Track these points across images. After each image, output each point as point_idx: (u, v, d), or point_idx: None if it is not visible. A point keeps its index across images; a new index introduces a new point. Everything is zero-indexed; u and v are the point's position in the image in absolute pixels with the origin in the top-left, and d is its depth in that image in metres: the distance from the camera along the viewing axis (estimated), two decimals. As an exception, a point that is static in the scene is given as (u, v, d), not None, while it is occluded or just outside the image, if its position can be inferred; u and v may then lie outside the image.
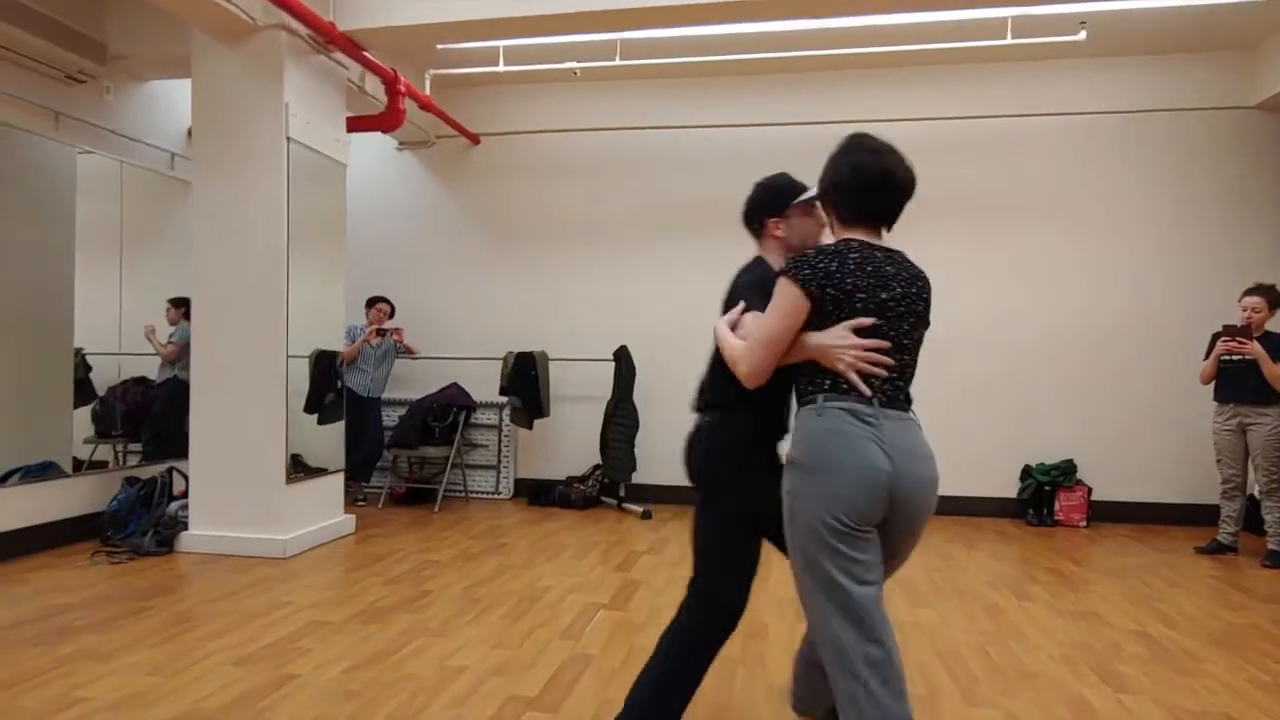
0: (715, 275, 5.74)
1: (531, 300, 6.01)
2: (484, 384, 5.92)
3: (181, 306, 5.23)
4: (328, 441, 4.64)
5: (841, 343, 1.67)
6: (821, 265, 1.68)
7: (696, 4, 4.03)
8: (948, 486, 5.50)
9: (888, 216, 1.80)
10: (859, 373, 1.67)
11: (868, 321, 1.67)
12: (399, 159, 6.22)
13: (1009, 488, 5.38)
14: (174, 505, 4.25)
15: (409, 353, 5.69)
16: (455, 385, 5.82)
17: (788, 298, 1.70)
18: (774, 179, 2.28)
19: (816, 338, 1.70)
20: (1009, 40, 4.73)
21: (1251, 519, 4.52)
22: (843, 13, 4.07)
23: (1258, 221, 5.21)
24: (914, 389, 1.80)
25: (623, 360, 5.59)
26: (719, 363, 2.03)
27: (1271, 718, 2.35)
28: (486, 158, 6.11)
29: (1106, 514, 5.24)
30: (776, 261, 2.16)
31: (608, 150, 5.93)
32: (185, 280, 5.14)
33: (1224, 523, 4.47)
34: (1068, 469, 5.19)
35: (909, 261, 1.80)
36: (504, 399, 5.81)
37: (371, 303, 5.64)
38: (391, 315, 5.72)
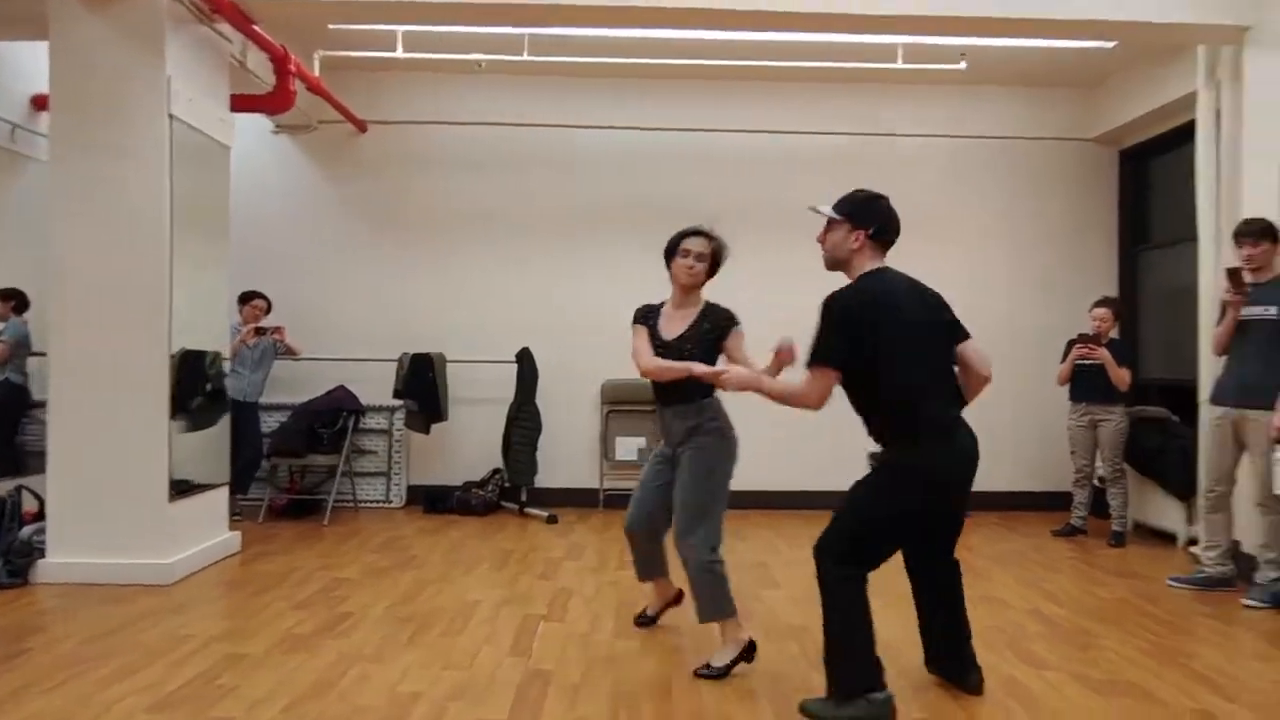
0: (618, 277, 5.76)
1: (427, 299, 5.75)
2: (373, 386, 5.59)
3: (11, 300, 4.58)
4: (207, 451, 4.22)
5: None
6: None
7: (605, 6, 4.00)
8: (838, 482, 5.80)
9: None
10: None
11: None
12: (274, 142, 5.74)
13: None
14: (26, 530, 3.69)
15: (290, 353, 5.27)
16: (342, 388, 5.47)
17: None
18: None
19: None
20: (899, 64, 5.07)
21: (1097, 504, 5.11)
22: (744, 27, 4.17)
23: (1098, 241, 5.90)
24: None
25: (525, 362, 5.47)
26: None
27: (1163, 680, 2.68)
28: (375, 146, 5.77)
29: (976, 502, 5.73)
30: None
31: (511, 146, 5.77)
32: (22, 268, 4.50)
33: (1076, 508, 5.06)
34: (941, 463, 5.63)
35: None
36: (397, 402, 5.52)
37: (245, 299, 5.18)
38: (268, 312, 5.28)
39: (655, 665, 2.80)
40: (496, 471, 5.64)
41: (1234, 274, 3.68)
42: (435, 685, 2.58)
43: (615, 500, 5.73)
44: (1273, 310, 3.58)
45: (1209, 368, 4.22)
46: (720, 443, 2.92)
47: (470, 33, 4.92)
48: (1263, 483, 3.54)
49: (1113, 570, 4.20)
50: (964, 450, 2.36)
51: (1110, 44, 4.79)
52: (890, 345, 2.25)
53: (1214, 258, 4.30)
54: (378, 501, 5.64)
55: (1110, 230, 5.90)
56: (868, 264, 2.37)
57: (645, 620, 3.23)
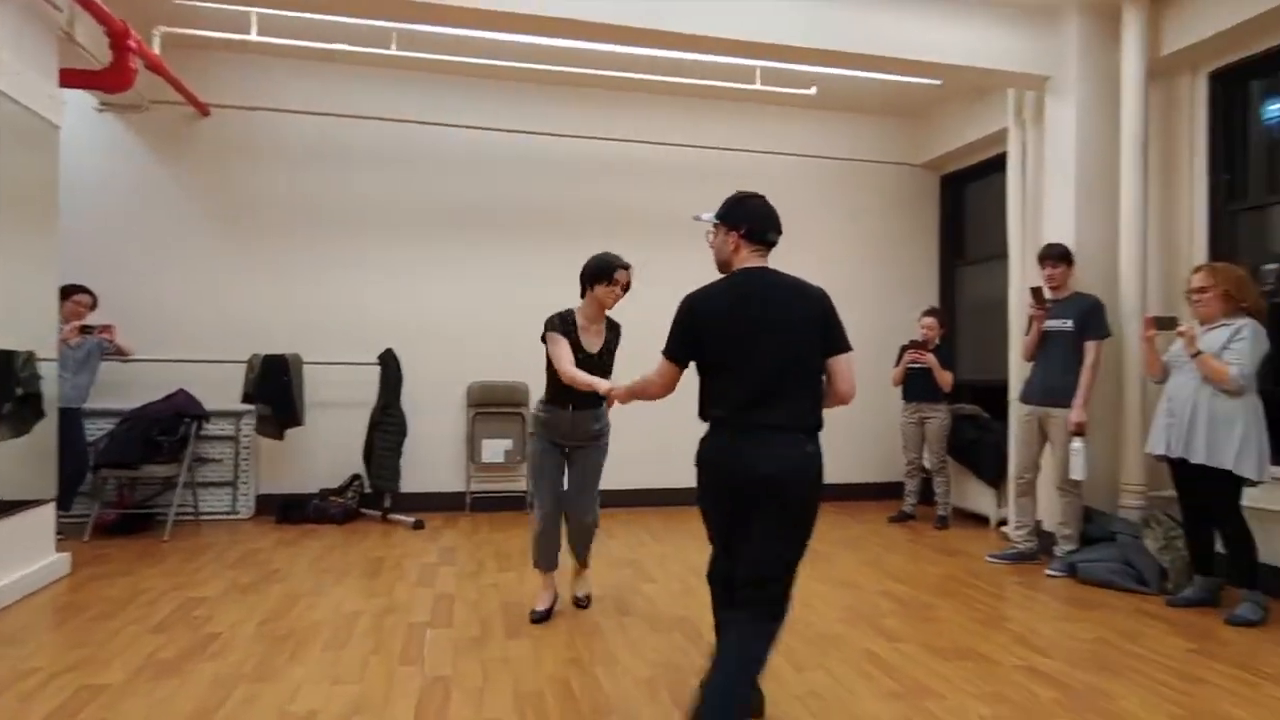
0: (484, 277, 5.73)
1: (279, 297, 5.41)
2: (215, 390, 5.19)
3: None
4: (26, 463, 3.78)
5: None
6: None
7: (480, 9, 3.98)
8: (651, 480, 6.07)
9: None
10: None
11: None
12: (100, 122, 5.19)
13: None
14: None
15: (120, 354, 4.79)
16: (182, 392, 5.04)
17: None
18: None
19: None
20: (758, 85, 5.41)
21: (924, 492, 5.71)
22: (612, 41, 4.24)
23: (923, 257, 6.57)
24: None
25: (389, 363, 5.31)
26: (815, 385, 2.26)
27: (993, 643, 3.09)
28: (219, 132, 5.36)
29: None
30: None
31: (373, 141, 5.56)
32: None
33: (907, 496, 5.63)
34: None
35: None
36: (244, 407, 5.17)
37: (66, 293, 4.63)
38: (93, 308, 4.78)
39: (552, 664, 2.86)
40: (356, 477, 5.42)
41: (1037, 292, 4.28)
42: (330, 701, 2.51)
43: (482, 503, 5.70)
44: (1069, 323, 4.19)
45: (1017, 371, 4.87)
46: (608, 439, 3.61)
47: (335, 21, 4.71)
48: (1062, 470, 4.14)
49: (941, 550, 4.74)
50: (748, 460, 2.15)
51: (937, 82, 5.39)
52: (714, 342, 2.24)
53: (1021, 275, 4.95)
54: (223, 513, 5.25)
55: (932, 247, 6.59)
56: (745, 263, 2.30)
57: (543, 616, 3.32)
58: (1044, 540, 4.43)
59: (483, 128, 5.67)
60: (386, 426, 5.23)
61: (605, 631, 3.22)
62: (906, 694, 2.62)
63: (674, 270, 6.05)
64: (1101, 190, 4.46)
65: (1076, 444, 4.06)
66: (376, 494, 5.32)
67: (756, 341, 2.19)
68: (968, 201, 6.47)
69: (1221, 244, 4.18)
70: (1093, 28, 4.48)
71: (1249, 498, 3.47)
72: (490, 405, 5.68)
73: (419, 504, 5.50)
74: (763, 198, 2.39)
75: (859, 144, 6.36)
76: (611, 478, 5.79)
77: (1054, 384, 4.20)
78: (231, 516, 5.25)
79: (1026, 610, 3.57)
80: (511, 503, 5.74)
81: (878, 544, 4.86)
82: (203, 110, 5.27)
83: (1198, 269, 3.69)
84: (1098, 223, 4.45)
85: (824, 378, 2.27)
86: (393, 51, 4.87)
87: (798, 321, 2.21)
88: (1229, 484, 3.44)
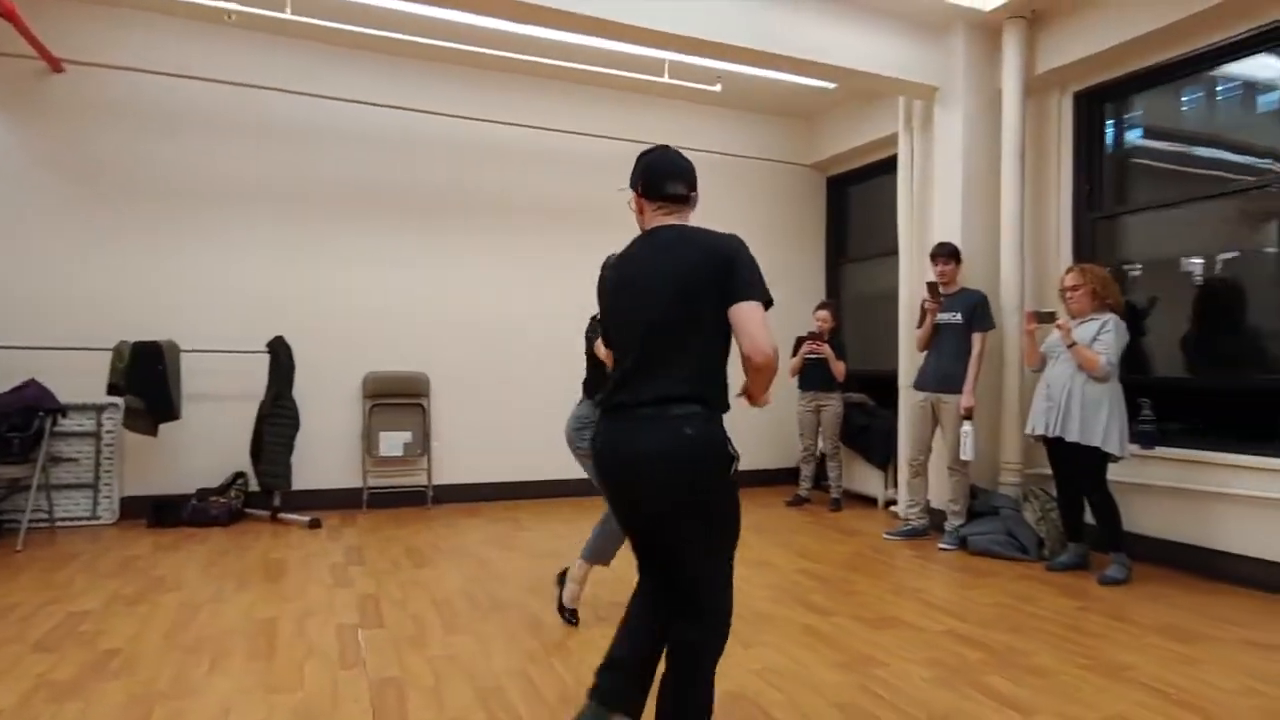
0: (380, 260, 5.45)
1: (151, 278, 4.90)
2: (73, 381, 4.64)
3: None
4: None
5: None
6: None
7: None
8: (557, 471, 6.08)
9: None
10: None
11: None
12: (-77, 71, 4.49)
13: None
14: None
15: (-44, 340, 4.19)
16: (34, 383, 4.46)
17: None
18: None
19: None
20: (666, 79, 5.48)
21: (816, 476, 6.01)
22: (508, 17, 4.06)
23: (811, 253, 6.89)
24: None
25: (280, 351, 4.94)
26: (703, 350, 1.87)
27: (915, 613, 3.32)
28: (74, 91, 4.77)
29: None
30: None
31: (266, 110, 5.14)
32: None
33: (803, 480, 5.90)
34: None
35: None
36: (110, 400, 4.66)
37: (-115, 269, 4.01)
38: (-82, 287, 4.15)
39: (504, 658, 2.79)
40: (239, 475, 5.02)
41: (932, 287, 4.61)
42: (272, 712, 2.33)
43: (381, 499, 5.43)
44: (959, 316, 4.55)
45: (907, 361, 5.23)
46: None
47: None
48: (953, 451, 4.49)
49: (841, 530, 5.01)
50: (614, 445, 1.90)
51: (832, 85, 5.67)
52: (606, 314, 2.12)
53: (909, 271, 5.32)
54: (82, 518, 4.69)
55: (819, 245, 6.93)
56: (650, 224, 2.07)
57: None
58: (933, 517, 4.79)
59: (380, 104, 5.38)
60: (278, 419, 4.87)
61: (547, 624, 3.17)
62: (852, 663, 2.76)
63: (573, 257, 6.05)
64: (984, 195, 4.86)
65: (966, 427, 4.42)
66: (265, 492, 4.95)
67: (630, 306, 1.93)
68: (851, 203, 6.85)
69: (1083, 247, 4.67)
70: (978, 44, 4.86)
71: (1112, 472, 3.92)
72: (388, 396, 5.42)
73: (310, 502, 5.17)
74: (659, 149, 2.10)
75: (754, 142, 6.57)
76: (507, 468, 5.75)
77: (946, 372, 4.55)
78: (93, 522, 4.71)
79: (931, 580, 3.85)
80: (411, 498, 5.51)
81: (782, 526, 5.07)
82: (55, 65, 4.67)
83: (1069, 269, 4.11)
84: (980, 225, 4.84)
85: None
86: (287, 16, 4.53)
87: (676, 275, 1.87)
88: (1097, 459, 3.86)
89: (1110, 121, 4.67)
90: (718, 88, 5.70)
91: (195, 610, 3.23)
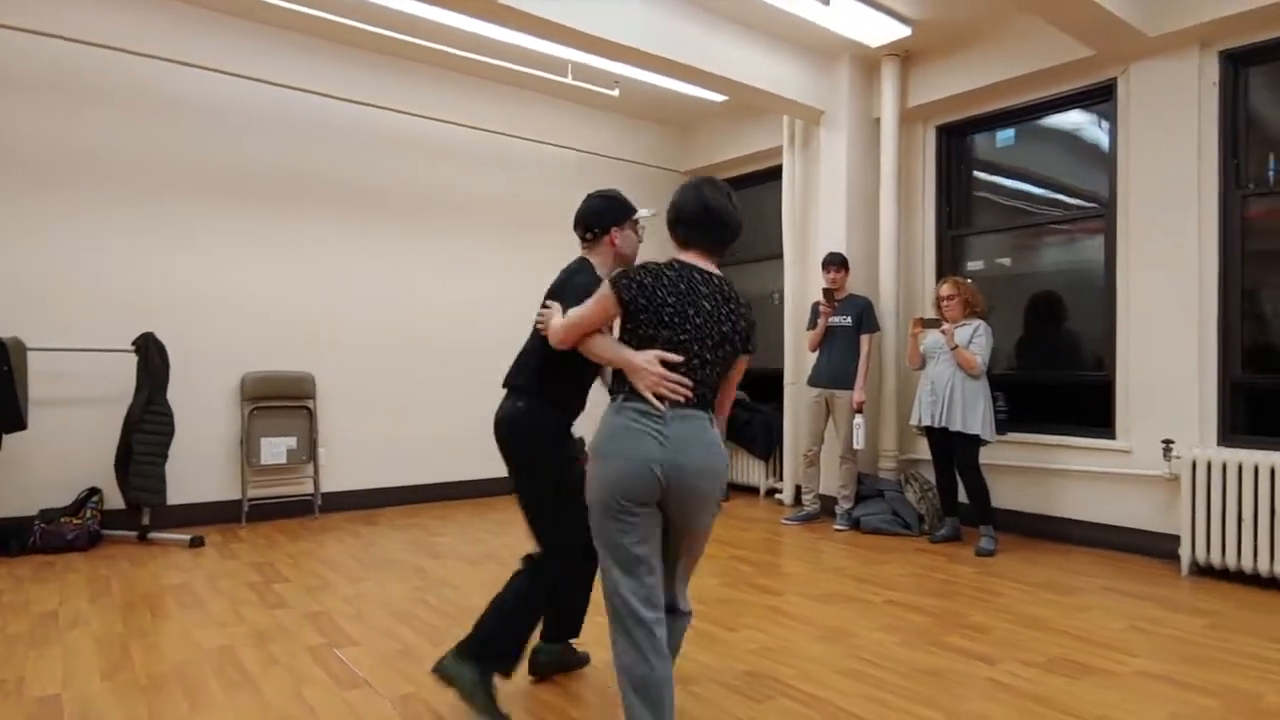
0: (259, 250, 5.01)
1: (-16, 263, 4.13)
2: (-127, 385, 3.82)
3: None
4: None
5: (648, 367, 1.87)
6: (639, 279, 1.92)
7: None
8: (454, 473, 6.02)
9: (718, 249, 2.06)
10: (656, 394, 1.87)
11: (674, 358, 1.88)
12: None
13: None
14: None
15: None
16: None
17: (605, 299, 1.96)
18: (616, 193, 2.54)
19: (629, 354, 1.91)
20: (569, 80, 5.51)
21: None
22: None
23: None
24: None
25: (151, 350, 4.36)
26: (536, 353, 2.36)
27: (854, 588, 3.68)
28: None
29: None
30: (602, 266, 2.48)
31: (135, 79, 4.51)
32: None
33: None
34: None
35: (728, 288, 2.00)
36: (-70, 407, 3.87)
37: None
38: None
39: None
40: (93, 492, 4.38)
41: (827, 293, 5.06)
42: (300, 742, 2.15)
43: (263, 511, 4.98)
44: (849, 320, 5.04)
45: (793, 359, 5.69)
46: None
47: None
48: (846, 441, 4.98)
49: (741, 518, 5.34)
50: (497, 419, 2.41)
51: (723, 97, 6.00)
52: None
53: (793, 276, 5.78)
54: (-110, 552, 3.87)
55: (690, 248, 7.27)
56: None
57: None
58: (823, 502, 5.26)
59: (268, 81, 4.91)
60: (150, 426, 4.31)
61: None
62: (829, 636, 3.04)
63: (472, 255, 5.90)
64: (864, 211, 5.41)
65: (858, 419, 4.92)
66: (131, 510, 4.36)
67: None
68: (720, 209, 7.25)
69: (944, 261, 5.36)
70: (860, 75, 5.40)
71: (983, 456, 4.56)
72: (270, 399, 4.97)
73: (181, 518, 4.63)
74: (587, 198, 2.52)
75: (634, 146, 6.76)
76: (400, 473, 5.51)
77: (838, 371, 5.02)
78: (-95, 555, 3.90)
79: (846, 559, 4.27)
80: (296, 508, 5.10)
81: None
82: None
83: (944, 281, 4.71)
84: (861, 237, 5.39)
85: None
86: (173, -26, 4.03)
87: (551, 288, 2.42)
88: (974, 445, 4.49)
89: (963, 153, 5.40)
90: (616, 92, 5.83)
91: (121, 645, 2.84)
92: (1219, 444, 4.08)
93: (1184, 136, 4.20)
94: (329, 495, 5.22)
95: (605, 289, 1.95)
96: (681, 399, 1.87)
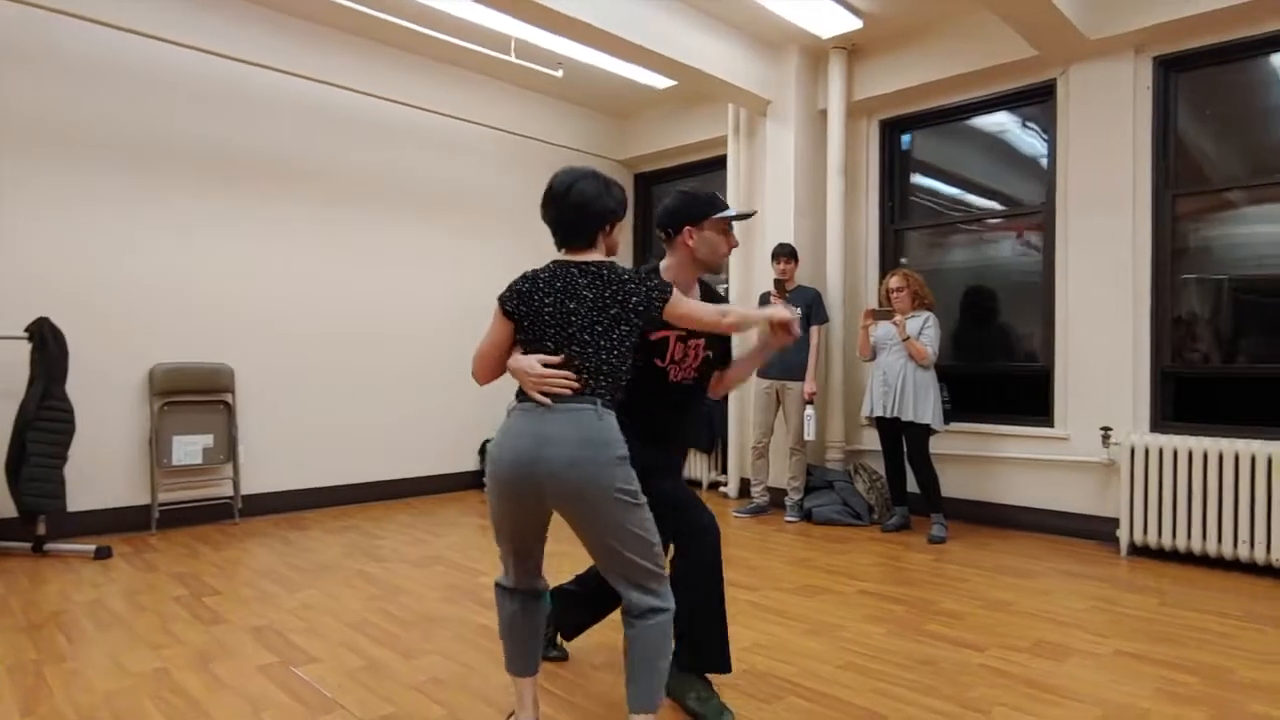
0: (171, 229, 4.56)
1: None
2: None
3: None
4: None
5: (528, 371, 1.88)
6: (517, 288, 1.95)
7: None
8: (389, 472, 5.75)
9: (581, 237, 1.98)
10: (544, 391, 1.87)
11: (552, 359, 1.89)
12: None
13: (473, 463, 5.93)
14: None
15: None
16: None
17: (495, 319, 1.99)
18: (697, 190, 2.30)
19: (514, 362, 1.94)
20: (512, 58, 5.26)
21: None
22: None
23: (624, 245, 7.05)
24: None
25: (47, 338, 3.85)
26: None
27: (824, 580, 3.64)
28: None
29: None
30: (674, 270, 2.27)
31: (34, 34, 3.95)
32: None
33: (633, 468, 6.06)
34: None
35: (612, 272, 1.94)
36: None
37: None
38: None
39: (501, 672, 2.55)
40: (-25, 499, 3.85)
41: (779, 284, 5.02)
42: (278, 776, 1.90)
43: (175, 517, 4.52)
44: (798, 311, 5.02)
45: (738, 350, 5.63)
46: None
47: None
48: (796, 433, 4.97)
49: (686, 512, 5.25)
50: None
51: (667, 85, 5.89)
52: None
53: (738, 267, 5.74)
54: None
55: (628, 239, 7.14)
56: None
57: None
58: (771, 495, 5.25)
59: (189, 46, 4.44)
60: (46, 424, 3.80)
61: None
62: (817, 630, 2.98)
63: (407, 240, 5.56)
64: (811, 203, 5.42)
65: (809, 411, 4.92)
66: (25, 518, 3.84)
67: None
68: (654, 200, 7.16)
69: (886, 254, 5.44)
70: (807, 68, 5.40)
71: (930, 445, 4.64)
72: (183, 394, 4.52)
73: (81, 527, 4.15)
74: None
75: (572, 134, 6.56)
76: (329, 472, 5.14)
77: (789, 362, 5.00)
78: None
79: (808, 550, 4.24)
80: (213, 513, 4.66)
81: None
82: None
83: (893, 273, 4.76)
84: (809, 229, 5.40)
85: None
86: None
87: None
88: (925, 434, 4.56)
89: (903, 148, 5.50)
90: (560, 73, 5.61)
91: (35, 674, 2.46)
92: (1151, 431, 4.30)
93: (1119, 138, 4.39)
94: (250, 498, 4.79)
95: (496, 310, 1.99)
96: (569, 391, 1.86)
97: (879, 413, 4.65)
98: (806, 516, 4.96)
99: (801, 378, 4.95)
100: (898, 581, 3.64)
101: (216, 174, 4.68)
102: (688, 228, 2.24)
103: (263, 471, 4.86)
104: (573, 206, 1.96)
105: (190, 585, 3.43)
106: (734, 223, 2.32)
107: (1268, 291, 4.10)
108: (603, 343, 1.90)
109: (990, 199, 5.14)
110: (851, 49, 5.29)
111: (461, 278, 5.80)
